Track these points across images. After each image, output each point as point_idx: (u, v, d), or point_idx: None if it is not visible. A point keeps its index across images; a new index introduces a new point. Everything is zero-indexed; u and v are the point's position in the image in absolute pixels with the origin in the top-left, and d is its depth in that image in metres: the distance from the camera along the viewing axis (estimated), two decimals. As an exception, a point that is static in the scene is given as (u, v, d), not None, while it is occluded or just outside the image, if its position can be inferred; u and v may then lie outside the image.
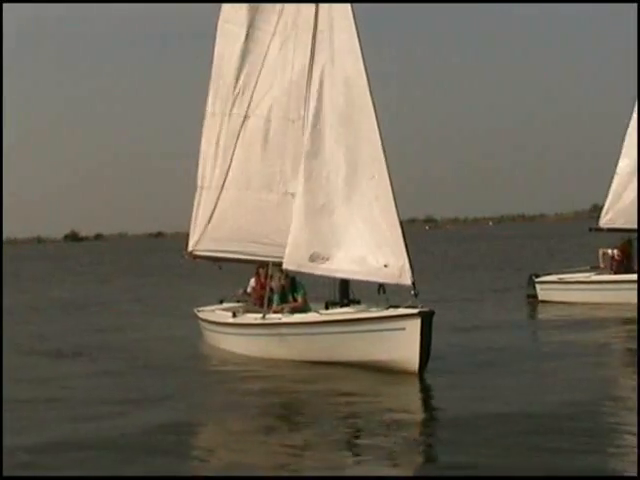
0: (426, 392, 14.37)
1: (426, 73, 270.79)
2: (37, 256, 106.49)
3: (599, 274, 25.57)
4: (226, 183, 19.16)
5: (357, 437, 11.62)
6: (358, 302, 16.80)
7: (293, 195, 17.11)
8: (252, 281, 19.19)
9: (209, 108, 19.61)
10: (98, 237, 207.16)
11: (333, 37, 16.82)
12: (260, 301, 18.27)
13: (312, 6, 17.49)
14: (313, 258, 16.34)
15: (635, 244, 25.31)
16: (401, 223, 15.72)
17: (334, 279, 17.00)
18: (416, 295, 15.02)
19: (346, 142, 16.43)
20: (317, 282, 17.66)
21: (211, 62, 19.62)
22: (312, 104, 16.91)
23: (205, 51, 20.23)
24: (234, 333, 17.88)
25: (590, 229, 26.59)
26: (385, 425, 11.92)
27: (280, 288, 17.57)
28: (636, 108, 25.68)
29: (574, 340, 18.95)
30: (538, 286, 26.48)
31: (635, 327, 20.21)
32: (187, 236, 19.79)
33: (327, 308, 16.84)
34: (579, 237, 28.86)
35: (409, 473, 10.10)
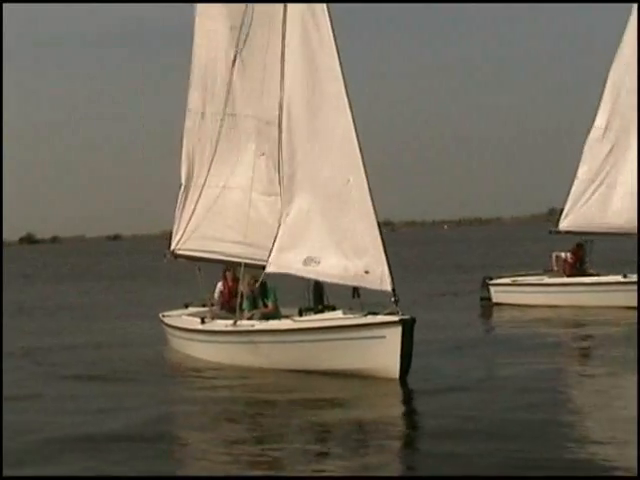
0: (407, 403, 13.66)
1: (385, 74, 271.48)
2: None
3: (552, 277, 25.68)
4: (210, 182, 18.48)
5: (336, 446, 10.95)
6: (333, 308, 16.08)
7: (277, 197, 16.45)
8: (219, 285, 18.41)
9: (192, 106, 18.94)
10: (55, 240, 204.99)
11: (308, 38, 15.98)
12: (228, 306, 17.57)
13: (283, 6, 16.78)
14: (307, 262, 15.62)
15: (588, 248, 25.54)
16: (380, 227, 15.10)
17: (307, 284, 16.33)
18: (396, 302, 14.38)
19: (322, 144, 15.71)
20: (287, 287, 16.87)
21: (189, 60, 18.95)
22: (286, 106, 16.16)
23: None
24: (204, 340, 17.07)
25: (550, 232, 26.70)
26: (365, 433, 11.40)
27: (250, 293, 16.84)
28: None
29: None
30: (492, 289, 26.46)
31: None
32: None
33: (301, 314, 16.04)
34: (534, 240, 28.86)
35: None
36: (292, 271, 15.79)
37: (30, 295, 39.43)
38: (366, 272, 14.88)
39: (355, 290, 15.42)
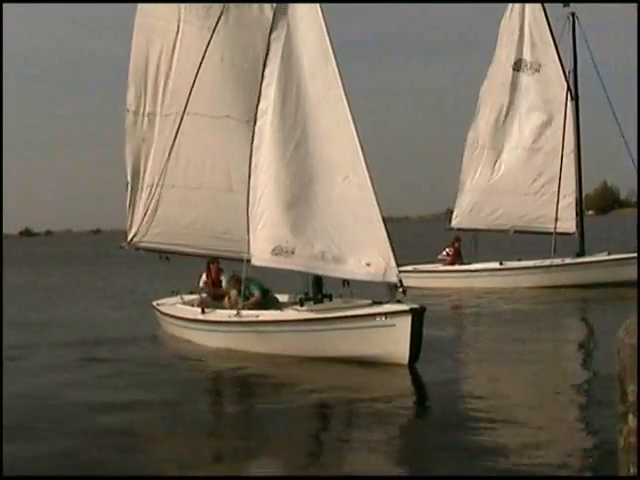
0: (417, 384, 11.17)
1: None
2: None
3: (445, 266, 26.07)
4: (169, 181, 15.55)
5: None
6: (330, 297, 13.19)
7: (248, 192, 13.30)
8: (204, 276, 15.85)
9: (132, 107, 15.96)
10: (48, 233, 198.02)
11: (299, 35, 12.93)
12: (215, 296, 15.06)
13: (262, 5, 14.32)
14: (277, 252, 12.73)
15: (472, 240, 25.59)
16: (384, 220, 12.31)
17: (307, 274, 13.39)
18: (404, 292, 11.79)
19: (315, 137, 12.71)
20: (283, 274, 13.87)
21: (127, 58, 15.98)
22: (272, 103, 13.03)
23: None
24: (207, 329, 14.10)
25: (446, 229, 26.97)
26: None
27: (235, 285, 14.05)
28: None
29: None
30: None
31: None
32: (122, 232, 16.53)
33: (302, 304, 13.05)
34: (433, 235, 29.22)
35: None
36: (275, 264, 12.88)
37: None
38: (367, 264, 12.13)
39: (345, 280, 12.69)
